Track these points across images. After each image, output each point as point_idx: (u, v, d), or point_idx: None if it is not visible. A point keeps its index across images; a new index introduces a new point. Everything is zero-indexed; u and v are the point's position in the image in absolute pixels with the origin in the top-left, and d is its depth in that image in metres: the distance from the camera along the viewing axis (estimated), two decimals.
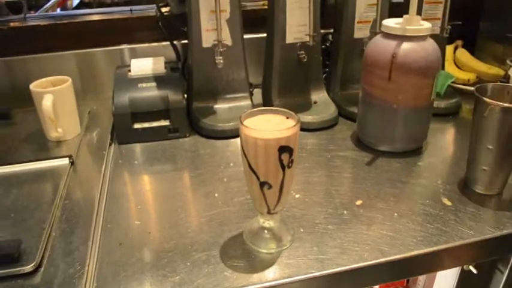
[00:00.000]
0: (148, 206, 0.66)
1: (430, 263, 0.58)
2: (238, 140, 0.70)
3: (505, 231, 0.59)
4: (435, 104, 0.81)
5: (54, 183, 0.69)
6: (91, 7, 1.25)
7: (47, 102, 0.76)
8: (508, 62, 0.99)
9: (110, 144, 0.83)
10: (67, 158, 0.75)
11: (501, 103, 0.61)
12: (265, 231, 0.58)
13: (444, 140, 0.86)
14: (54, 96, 0.77)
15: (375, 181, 0.71)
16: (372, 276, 0.56)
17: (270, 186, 0.51)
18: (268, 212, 0.55)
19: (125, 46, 1.03)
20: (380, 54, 0.74)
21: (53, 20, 1.02)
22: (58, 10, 1.17)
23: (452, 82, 0.94)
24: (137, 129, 0.83)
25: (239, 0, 0.87)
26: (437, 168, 0.75)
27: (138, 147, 0.83)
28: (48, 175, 0.72)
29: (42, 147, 0.81)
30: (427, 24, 0.73)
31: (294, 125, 0.50)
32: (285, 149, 0.49)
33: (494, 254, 0.65)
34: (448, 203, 0.65)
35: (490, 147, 0.64)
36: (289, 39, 0.88)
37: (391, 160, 0.77)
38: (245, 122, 0.51)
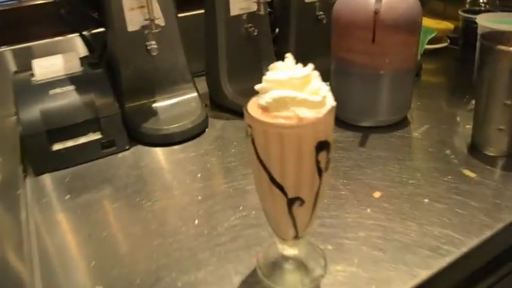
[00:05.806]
0: (101, 261, 0.47)
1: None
2: (190, 143, 0.55)
3: None
4: None
5: None
6: None
7: None
8: (461, 12, 0.93)
9: (24, 178, 0.61)
10: None
11: None
12: (290, 262, 0.42)
13: (424, 105, 0.76)
14: None
15: (381, 165, 0.58)
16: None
17: (303, 202, 0.36)
18: (296, 237, 0.39)
19: (15, 46, 0.78)
20: (357, 12, 0.61)
21: None
22: None
23: None
24: (58, 150, 0.62)
25: None
26: (436, 135, 0.65)
27: (64, 174, 0.61)
28: None
29: None
30: None
31: (330, 109, 0.34)
32: (323, 145, 0.34)
33: None
34: (472, 174, 0.55)
35: (508, 102, 0.55)
36: (234, 11, 0.72)
37: (384, 136, 0.65)
38: (253, 111, 0.34)
